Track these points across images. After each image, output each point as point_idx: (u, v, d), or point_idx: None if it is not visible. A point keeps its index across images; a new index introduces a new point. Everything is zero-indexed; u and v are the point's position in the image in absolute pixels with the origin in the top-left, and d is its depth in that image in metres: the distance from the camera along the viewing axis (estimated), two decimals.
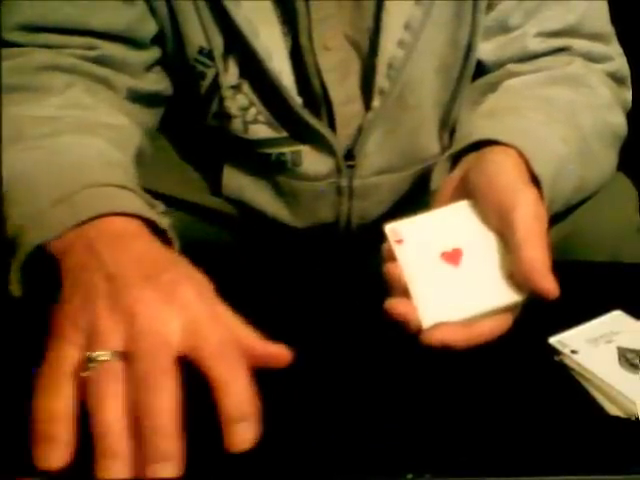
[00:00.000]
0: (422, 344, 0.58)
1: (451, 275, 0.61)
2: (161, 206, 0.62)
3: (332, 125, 0.82)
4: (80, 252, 0.54)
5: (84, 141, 0.65)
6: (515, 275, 0.59)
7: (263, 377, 0.51)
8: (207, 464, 0.50)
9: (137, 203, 0.59)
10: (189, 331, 0.49)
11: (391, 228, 0.64)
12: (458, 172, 0.67)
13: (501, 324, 0.59)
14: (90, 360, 0.49)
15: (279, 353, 0.52)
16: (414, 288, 0.60)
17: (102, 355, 0.48)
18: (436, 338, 0.57)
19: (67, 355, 0.49)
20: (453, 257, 0.61)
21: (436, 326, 0.58)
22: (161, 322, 0.49)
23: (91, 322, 0.50)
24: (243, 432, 0.48)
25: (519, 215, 0.59)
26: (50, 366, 0.49)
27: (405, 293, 0.60)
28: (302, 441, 0.53)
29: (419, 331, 0.58)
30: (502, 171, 0.63)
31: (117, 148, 0.66)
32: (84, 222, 0.55)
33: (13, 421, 0.50)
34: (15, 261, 0.56)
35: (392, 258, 0.62)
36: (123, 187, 0.59)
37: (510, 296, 0.59)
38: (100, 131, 0.67)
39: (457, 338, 0.57)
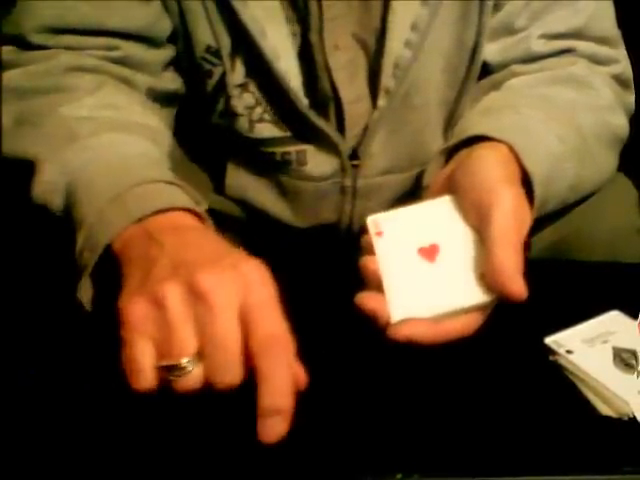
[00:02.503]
0: (390, 339, 0.58)
1: (425, 271, 0.61)
2: (204, 203, 0.63)
3: (341, 124, 0.82)
4: (141, 243, 0.55)
5: (123, 139, 0.66)
6: (486, 275, 0.59)
7: None
8: (207, 464, 0.51)
9: (186, 198, 0.61)
10: (244, 313, 0.51)
11: (372, 220, 0.65)
12: (449, 168, 0.67)
13: (470, 323, 0.59)
14: (171, 368, 0.50)
15: (299, 375, 0.53)
16: (388, 282, 0.60)
17: (183, 364, 0.50)
18: (402, 333, 0.58)
19: (145, 352, 0.51)
20: (429, 253, 0.62)
21: (403, 321, 0.58)
22: (229, 306, 0.50)
23: (161, 308, 0.50)
24: (274, 425, 0.49)
25: (496, 214, 0.59)
26: (130, 364, 0.51)
27: (379, 287, 0.60)
28: (291, 441, 0.52)
29: (387, 326, 0.59)
30: (485, 168, 0.63)
31: (155, 146, 0.68)
32: (140, 218, 0.57)
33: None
34: (88, 264, 0.58)
35: (371, 251, 0.63)
36: (171, 183, 0.61)
37: (481, 296, 0.59)
38: (137, 130, 0.68)
39: (423, 334, 0.58)
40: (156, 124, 0.73)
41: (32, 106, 0.70)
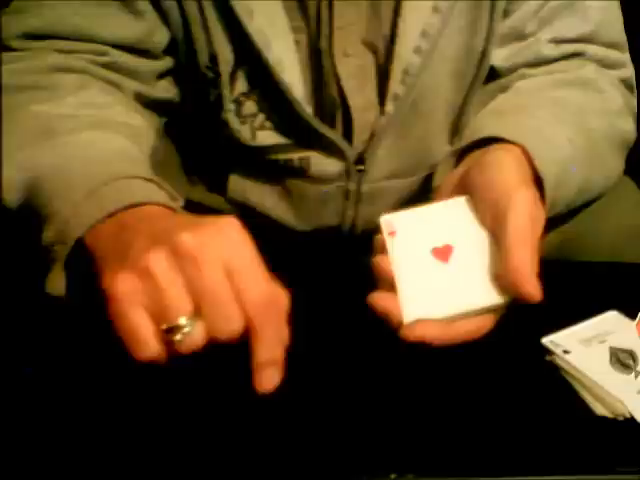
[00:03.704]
0: (403, 340, 0.58)
1: (439, 272, 0.61)
2: (180, 200, 0.64)
3: (348, 131, 0.82)
4: (115, 233, 0.56)
5: (104, 137, 0.67)
6: (501, 276, 0.59)
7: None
8: (205, 464, 0.51)
9: (162, 194, 0.61)
10: (231, 273, 0.51)
11: (386, 220, 0.64)
12: (461, 169, 0.67)
13: (482, 325, 0.59)
14: (172, 330, 0.51)
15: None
16: (400, 282, 0.60)
17: (183, 323, 0.51)
18: (415, 334, 0.57)
19: (142, 320, 0.51)
20: (443, 253, 0.61)
21: (416, 322, 0.58)
22: (215, 259, 0.51)
23: (148, 277, 0.51)
24: (270, 376, 0.52)
25: (512, 215, 0.59)
26: (130, 336, 0.51)
27: (391, 287, 0.60)
28: (286, 441, 0.53)
29: (399, 326, 0.58)
30: (501, 169, 0.63)
31: (134, 144, 0.68)
32: (113, 213, 0.57)
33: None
34: (60, 256, 0.58)
35: (384, 250, 0.62)
36: (148, 180, 0.62)
37: (494, 297, 0.59)
38: (117, 128, 0.69)
39: (436, 336, 0.57)
40: (138, 123, 0.73)
41: (5, 102, 0.69)
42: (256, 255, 0.53)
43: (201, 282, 0.51)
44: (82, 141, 0.65)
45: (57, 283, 0.59)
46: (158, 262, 0.51)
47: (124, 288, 0.51)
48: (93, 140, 0.66)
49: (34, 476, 0.51)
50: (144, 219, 0.57)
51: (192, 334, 0.51)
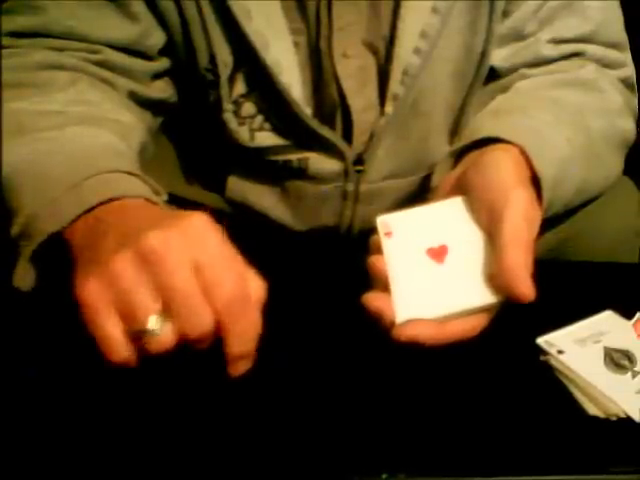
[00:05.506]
0: (395, 339, 0.57)
1: (433, 272, 0.61)
2: (164, 195, 0.64)
3: (347, 132, 0.82)
4: (90, 226, 0.56)
5: (90, 132, 0.67)
6: (495, 276, 0.59)
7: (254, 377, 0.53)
8: (200, 463, 0.52)
9: (143, 188, 0.61)
10: (198, 270, 0.51)
11: (382, 220, 0.64)
12: (458, 169, 0.67)
13: (476, 324, 0.59)
14: (141, 332, 0.51)
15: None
16: (394, 282, 0.60)
17: (151, 325, 0.51)
18: (406, 334, 0.57)
19: (113, 324, 0.51)
20: (438, 254, 0.61)
21: (408, 322, 0.58)
22: (181, 258, 0.51)
23: (116, 281, 0.51)
24: (242, 365, 0.53)
25: (508, 215, 0.59)
26: (103, 340, 0.51)
27: (386, 288, 0.60)
28: (277, 440, 0.54)
29: (392, 326, 0.58)
30: (498, 169, 0.63)
31: (122, 140, 0.68)
32: (94, 207, 0.57)
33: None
34: (26, 252, 0.59)
35: (379, 251, 0.63)
36: (130, 173, 0.62)
37: (487, 297, 0.59)
38: (105, 124, 0.69)
39: (428, 335, 0.57)
40: (128, 120, 0.73)
41: None
42: (225, 250, 0.53)
43: (168, 281, 0.51)
44: (65, 137, 0.65)
45: (23, 277, 0.59)
46: (124, 264, 0.51)
47: (93, 293, 0.51)
48: (77, 135, 0.66)
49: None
50: (120, 212, 0.57)
51: (161, 334, 0.51)
